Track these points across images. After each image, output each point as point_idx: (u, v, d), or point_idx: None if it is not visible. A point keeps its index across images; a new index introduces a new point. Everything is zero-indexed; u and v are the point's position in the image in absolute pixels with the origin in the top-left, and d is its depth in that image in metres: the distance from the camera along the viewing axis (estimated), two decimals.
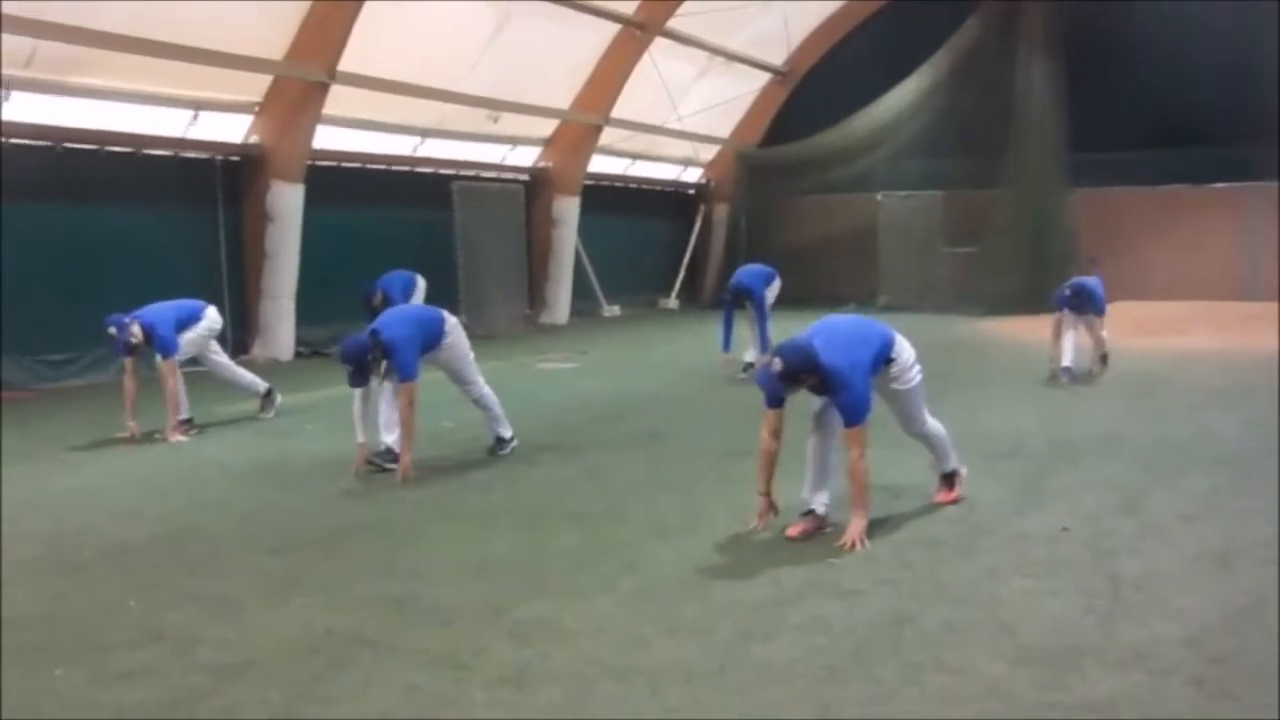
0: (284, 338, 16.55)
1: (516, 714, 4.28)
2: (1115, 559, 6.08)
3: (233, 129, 16.39)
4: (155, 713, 4.37)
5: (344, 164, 18.11)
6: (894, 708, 4.29)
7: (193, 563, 6.38)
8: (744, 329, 13.77)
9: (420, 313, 9.21)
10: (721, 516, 7.06)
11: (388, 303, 15.88)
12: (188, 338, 10.45)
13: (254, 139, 16.36)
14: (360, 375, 8.38)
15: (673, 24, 22.13)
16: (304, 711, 4.34)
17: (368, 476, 8.46)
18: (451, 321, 8.96)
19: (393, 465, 8.52)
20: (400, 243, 18.07)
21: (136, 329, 10.01)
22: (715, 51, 24.13)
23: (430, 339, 8.70)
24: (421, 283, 16.79)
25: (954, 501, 7.30)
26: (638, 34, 21.58)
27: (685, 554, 6.32)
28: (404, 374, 8.36)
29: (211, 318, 10.78)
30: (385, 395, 8.75)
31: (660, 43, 22.18)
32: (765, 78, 26.74)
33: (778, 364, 6.36)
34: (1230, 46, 22.69)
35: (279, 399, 11.40)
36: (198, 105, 15.65)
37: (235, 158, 16.40)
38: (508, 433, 9.30)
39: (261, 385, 11.25)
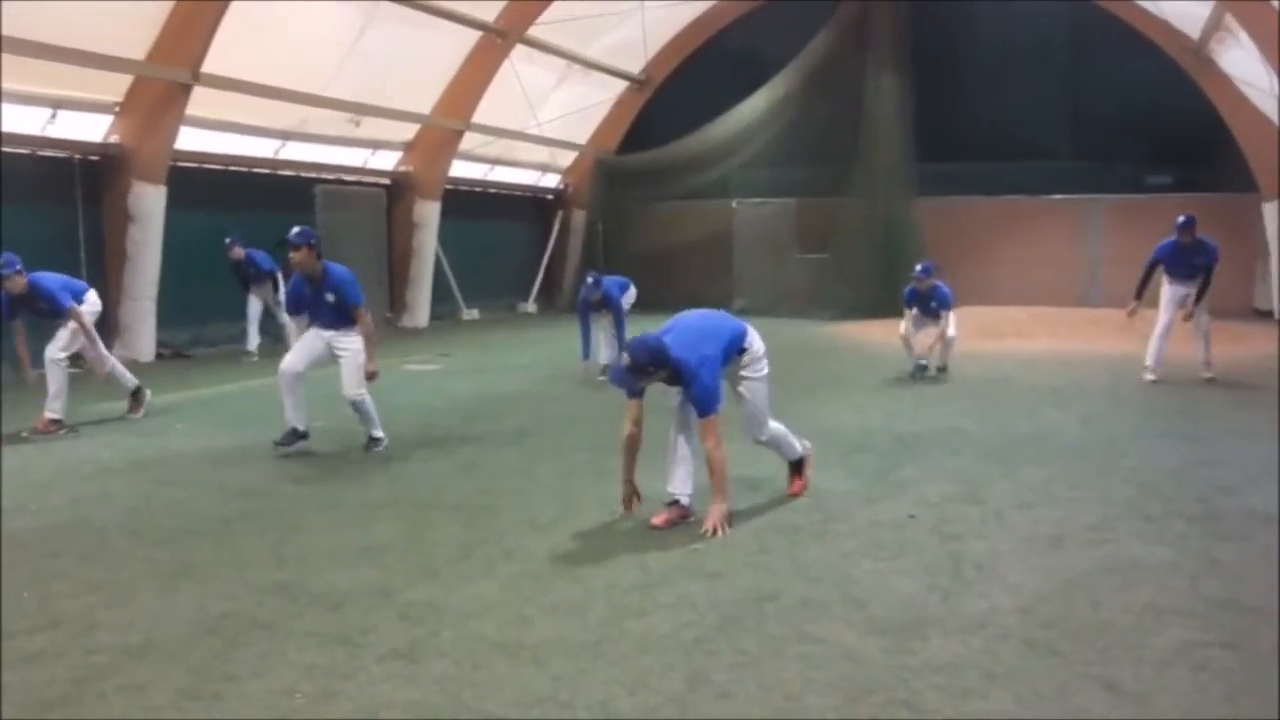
0: (144, 338, 16.47)
1: (413, 685, 4.58)
2: (958, 542, 6.60)
3: (92, 128, 16.21)
4: (63, 690, 4.55)
5: (206, 165, 18.03)
6: (759, 673, 4.69)
7: (83, 553, 6.51)
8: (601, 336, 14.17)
9: None
10: (591, 508, 7.41)
11: (249, 259, 16.05)
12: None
13: (114, 139, 16.21)
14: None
15: (533, 32, 22.45)
16: (209, 689, 4.57)
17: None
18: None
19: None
20: (262, 245, 17.94)
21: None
22: (574, 59, 24.48)
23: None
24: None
25: (803, 489, 7.75)
26: (498, 41, 21.84)
27: (559, 542, 6.67)
28: (356, 301, 9.53)
29: (92, 301, 10.88)
30: (288, 381, 9.30)
31: (520, 50, 22.47)
32: (623, 85, 27.16)
33: (626, 359, 6.75)
34: (1067, 68, 23.97)
35: (149, 395, 11.45)
36: (56, 104, 15.48)
37: (95, 157, 16.23)
38: (380, 433, 9.59)
39: (132, 381, 11.30)
